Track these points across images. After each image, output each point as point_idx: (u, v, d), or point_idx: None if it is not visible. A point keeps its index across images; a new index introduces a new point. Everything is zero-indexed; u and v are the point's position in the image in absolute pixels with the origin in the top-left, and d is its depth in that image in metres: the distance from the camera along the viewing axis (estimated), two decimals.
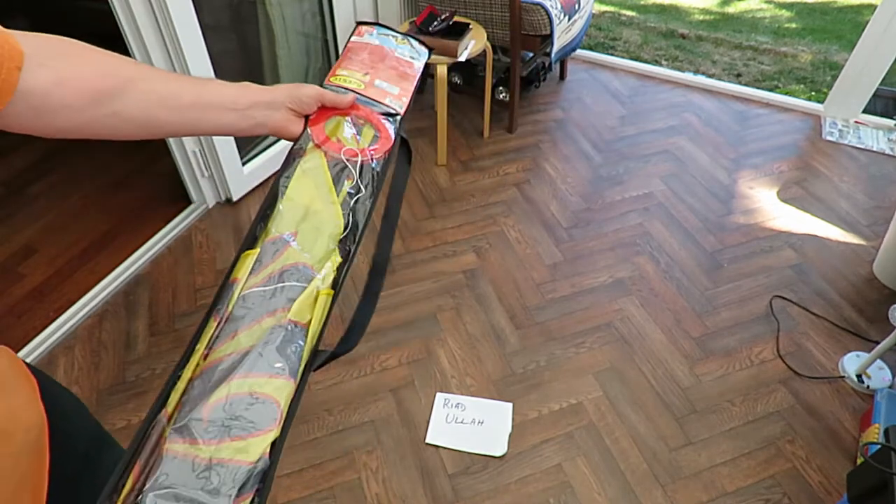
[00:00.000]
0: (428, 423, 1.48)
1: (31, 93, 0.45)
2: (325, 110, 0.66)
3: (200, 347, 0.49)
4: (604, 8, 4.07)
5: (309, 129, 0.64)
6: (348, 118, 0.66)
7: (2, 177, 2.24)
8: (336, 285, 0.54)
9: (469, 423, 1.48)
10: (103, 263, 1.87)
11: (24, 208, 2.11)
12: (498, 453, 1.42)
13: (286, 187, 0.58)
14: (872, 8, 2.52)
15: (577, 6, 2.37)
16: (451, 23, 2.13)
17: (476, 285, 1.84)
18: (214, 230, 2.03)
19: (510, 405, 1.52)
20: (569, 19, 2.32)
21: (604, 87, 2.81)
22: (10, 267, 1.88)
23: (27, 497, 0.50)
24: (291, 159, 0.61)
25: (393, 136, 0.67)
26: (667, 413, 1.51)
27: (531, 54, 2.46)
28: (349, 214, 0.58)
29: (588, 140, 2.47)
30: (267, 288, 0.51)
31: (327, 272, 0.54)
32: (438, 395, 1.55)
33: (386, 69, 0.73)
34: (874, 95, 2.46)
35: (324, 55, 2.45)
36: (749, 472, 1.40)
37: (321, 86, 0.68)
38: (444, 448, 1.44)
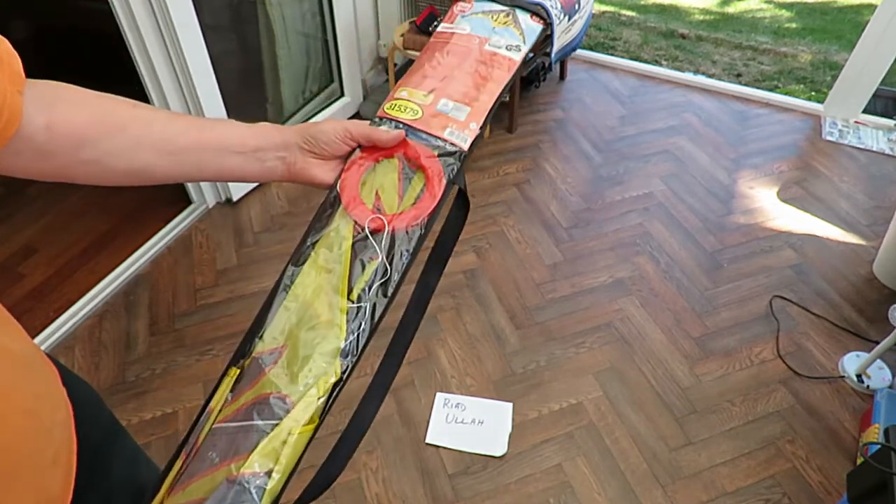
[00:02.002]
0: (428, 423, 1.48)
1: (21, 138, 0.43)
2: (371, 150, 0.53)
3: (162, 493, 0.45)
4: (604, 8, 4.07)
5: (338, 185, 0.52)
6: (396, 160, 0.53)
7: (2, 177, 2.23)
8: (323, 412, 0.47)
9: (469, 423, 1.48)
10: (103, 263, 1.87)
11: (24, 208, 2.11)
12: (498, 453, 1.42)
13: (291, 283, 0.49)
14: (872, 8, 2.52)
15: (577, 6, 2.36)
16: None
17: (476, 285, 1.84)
18: (214, 230, 2.03)
19: (510, 405, 1.52)
20: (569, 19, 2.31)
21: (604, 87, 2.81)
22: (10, 267, 1.88)
23: (60, 475, 0.49)
24: (308, 234, 0.51)
25: (440, 191, 0.53)
26: (667, 413, 1.51)
27: (531, 54, 2.46)
28: (357, 318, 0.49)
29: (588, 140, 2.47)
30: (233, 424, 0.45)
31: (309, 402, 0.46)
32: (438, 394, 1.55)
33: (462, 76, 0.58)
34: (874, 95, 2.45)
35: (324, 55, 2.45)
36: (749, 472, 1.40)
37: (373, 120, 0.56)
38: (444, 448, 1.44)
